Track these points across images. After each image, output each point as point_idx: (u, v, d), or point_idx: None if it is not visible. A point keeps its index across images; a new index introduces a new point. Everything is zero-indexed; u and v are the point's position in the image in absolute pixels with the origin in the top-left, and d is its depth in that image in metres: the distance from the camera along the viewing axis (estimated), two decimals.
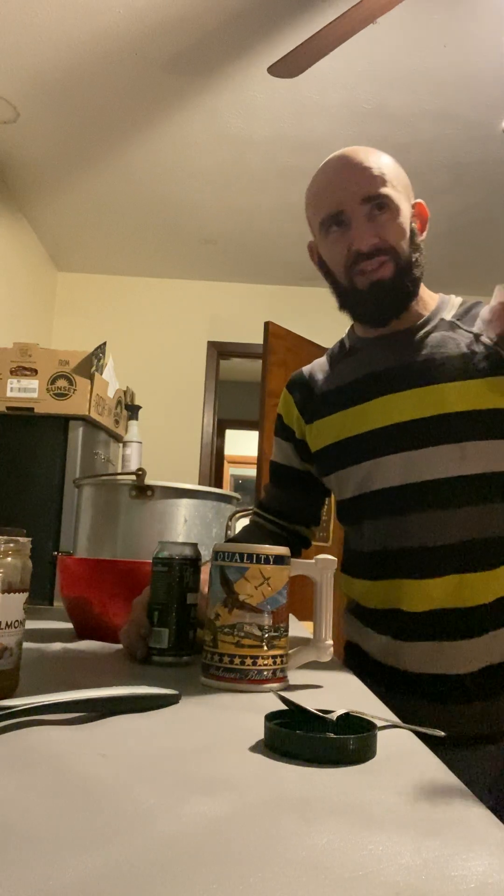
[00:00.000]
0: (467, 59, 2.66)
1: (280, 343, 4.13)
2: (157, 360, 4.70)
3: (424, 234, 1.08)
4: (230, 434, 7.34)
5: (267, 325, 4.11)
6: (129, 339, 4.66)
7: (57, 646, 1.00)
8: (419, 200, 1.08)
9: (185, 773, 0.47)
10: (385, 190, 1.01)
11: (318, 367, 1.20)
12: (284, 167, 3.43)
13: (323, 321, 3.80)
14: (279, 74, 2.33)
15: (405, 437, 1.02)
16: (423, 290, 1.10)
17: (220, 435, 6.61)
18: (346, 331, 1.19)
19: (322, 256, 1.09)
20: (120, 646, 1.01)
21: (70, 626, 1.22)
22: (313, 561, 0.83)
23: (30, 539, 0.67)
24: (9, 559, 0.63)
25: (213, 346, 4.77)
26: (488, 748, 0.99)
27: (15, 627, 0.63)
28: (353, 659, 1.12)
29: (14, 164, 3.52)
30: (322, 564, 0.82)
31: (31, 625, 1.22)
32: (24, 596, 0.65)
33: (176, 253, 4.43)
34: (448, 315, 1.08)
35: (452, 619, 0.99)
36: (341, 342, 1.20)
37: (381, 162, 1.04)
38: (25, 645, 0.97)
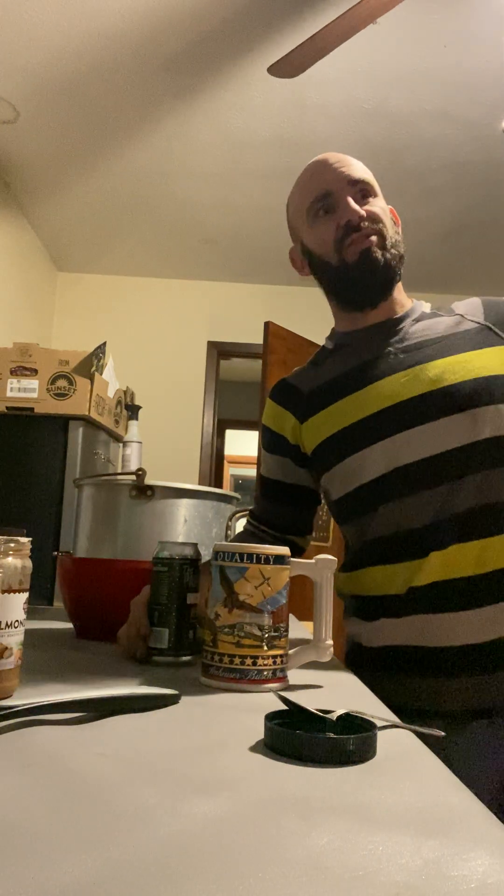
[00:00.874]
0: (467, 59, 2.66)
1: (280, 343, 4.13)
2: (157, 360, 4.70)
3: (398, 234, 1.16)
4: (230, 434, 7.34)
5: (267, 325, 4.11)
6: (129, 339, 4.66)
7: (57, 646, 1.00)
8: (390, 206, 1.16)
9: (185, 773, 0.47)
10: (369, 178, 1.11)
11: (301, 372, 1.21)
12: (284, 167, 3.43)
13: (323, 321, 3.80)
14: (279, 74, 2.33)
15: (413, 412, 1.02)
16: (401, 290, 1.16)
17: (220, 435, 6.61)
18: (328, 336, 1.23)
19: (309, 248, 1.14)
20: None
21: (70, 626, 1.22)
22: (313, 561, 0.83)
23: (30, 539, 0.67)
24: (9, 559, 0.63)
25: (213, 346, 4.77)
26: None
27: (15, 627, 0.63)
28: (358, 655, 1.10)
29: (14, 164, 3.52)
30: (322, 564, 0.83)
31: (31, 625, 1.22)
32: (24, 596, 0.65)
33: (176, 253, 4.44)
34: (427, 308, 1.16)
35: (473, 586, 0.98)
36: (323, 347, 1.21)
37: (359, 162, 1.13)
38: (25, 645, 0.97)
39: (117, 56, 2.72)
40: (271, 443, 1.20)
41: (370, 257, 1.07)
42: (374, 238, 1.07)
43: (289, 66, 2.28)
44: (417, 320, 1.12)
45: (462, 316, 1.10)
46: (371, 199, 1.10)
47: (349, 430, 1.07)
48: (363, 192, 1.09)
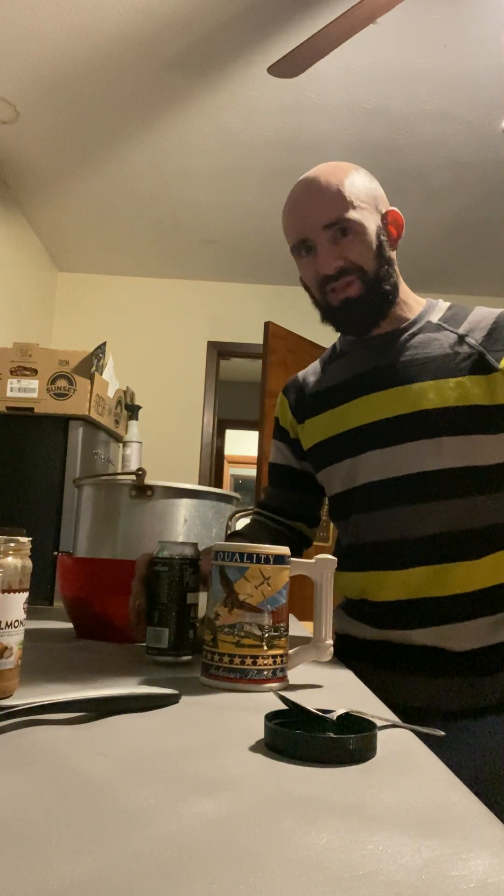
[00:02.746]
0: (467, 59, 2.66)
1: (280, 343, 4.13)
2: (157, 360, 4.70)
3: (399, 240, 1.10)
4: (230, 434, 7.34)
5: (267, 325, 4.11)
6: (129, 339, 4.66)
7: (57, 646, 1.00)
8: (392, 209, 1.10)
9: (185, 773, 0.47)
10: (347, 214, 1.03)
11: (311, 371, 1.25)
12: (284, 167, 3.43)
13: None
14: (279, 74, 2.33)
15: (385, 433, 1.06)
16: (408, 295, 1.13)
17: (220, 435, 6.61)
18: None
19: (300, 273, 1.14)
20: (120, 645, 1.02)
21: (70, 626, 1.22)
22: (313, 561, 0.83)
23: (30, 539, 0.67)
24: (9, 559, 0.63)
25: (213, 346, 4.77)
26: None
27: (15, 627, 0.63)
28: (344, 647, 1.15)
29: (14, 164, 3.52)
30: (322, 564, 0.83)
31: (31, 625, 1.22)
32: (24, 596, 0.65)
33: (176, 253, 4.44)
34: (434, 318, 1.11)
35: (433, 607, 1.02)
36: (333, 346, 1.24)
37: (343, 182, 1.05)
38: (25, 645, 0.97)
39: (117, 56, 2.72)
40: (279, 432, 1.27)
41: (352, 304, 1.06)
42: (354, 285, 1.05)
43: (289, 66, 2.29)
44: (418, 333, 1.09)
45: (463, 337, 1.06)
46: (349, 238, 1.03)
47: (331, 441, 1.14)
48: (340, 231, 1.03)
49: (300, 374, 1.27)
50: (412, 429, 1.03)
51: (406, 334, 1.10)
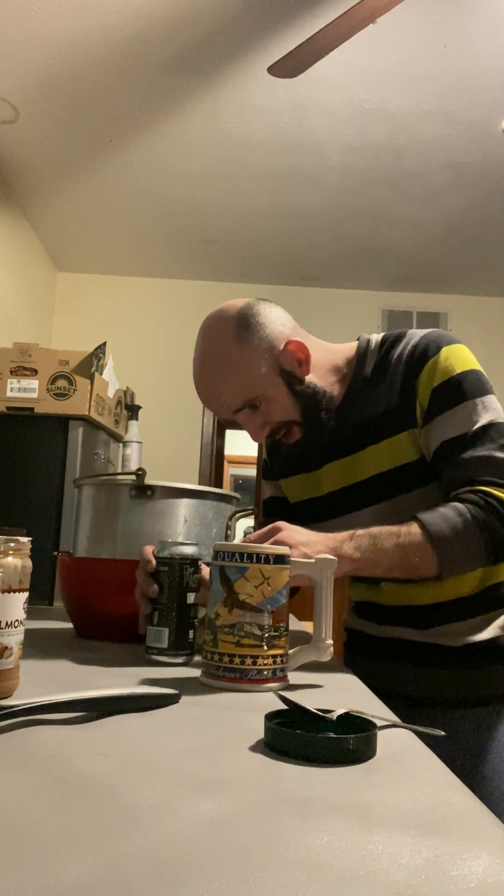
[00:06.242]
0: (467, 59, 2.66)
1: None
2: (157, 360, 4.70)
3: (309, 360, 1.09)
4: (230, 434, 7.32)
5: None
6: (129, 339, 4.66)
7: (57, 646, 1.00)
8: (290, 341, 1.08)
9: (185, 773, 0.47)
10: (246, 397, 1.06)
11: None
12: (284, 167, 3.43)
13: (323, 321, 3.80)
14: (279, 74, 2.33)
15: (346, 501, 1.14)
16: (335, 365, 1.15)
17: (220, 435, 6.59)
18: None
19: None
20: (120, 645, 1.02)
21: (70, 626, 1.22)
22: (313, 561, 0.83)
23: (30, 539, 0.67)
24: (9, 559, 0.63)
25: None
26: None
27: (15, 627, 0.63)
28: (354, 642, 1.23)
29: (14, 164, 3.52)
30: (322, 564, 0.83)
31: (31, 625, 1.22)
32: (24, 596, 0.65)
33: (176, 253, 4.43)
34: (368, 369, 1.14)
35: (430, 612, 1.09)
36: None
37: (228, 369, 1.05)
38: (25, 645, 0.97)
39: (118, 56, 2.72)
40: (269, 472, 1.33)
41: (302, 442, 1.12)
42: (292, 432, 1.10)
43: (289, 66, 2.28)
44: (356, 395, 1.13)
45: (387, 391, 1.09)
46: (262, 407, 1.07)
47: (305, 505, 1.22)
48: (250, 407, 1.07)
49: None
50: (364, 495, 1.11)
51: (352, 391, 1.13)
